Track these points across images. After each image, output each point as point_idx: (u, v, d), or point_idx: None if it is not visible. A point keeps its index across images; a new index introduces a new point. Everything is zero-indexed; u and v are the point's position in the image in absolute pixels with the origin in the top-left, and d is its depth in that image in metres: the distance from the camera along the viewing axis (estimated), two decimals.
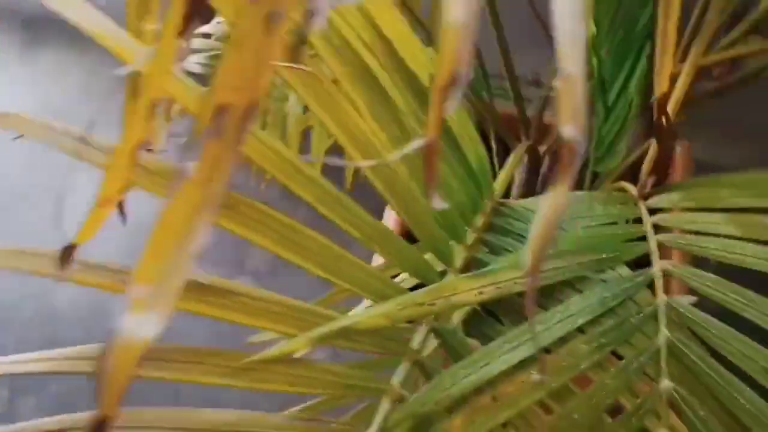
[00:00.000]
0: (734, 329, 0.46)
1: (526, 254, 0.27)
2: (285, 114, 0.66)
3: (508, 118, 0.82)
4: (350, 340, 0.43)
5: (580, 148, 0.27)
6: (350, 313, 0.43)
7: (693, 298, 0.51)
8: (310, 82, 0.44)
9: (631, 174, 0.66)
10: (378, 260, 0.61)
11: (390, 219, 0.71)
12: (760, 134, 1.09)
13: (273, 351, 0.41)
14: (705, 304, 0.48)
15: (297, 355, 0.43)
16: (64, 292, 1.12)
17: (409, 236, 0.49)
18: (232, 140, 0.18)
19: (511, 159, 0.64)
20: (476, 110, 0.78)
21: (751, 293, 0.46)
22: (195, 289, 0.39)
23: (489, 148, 0.66)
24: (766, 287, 0.49)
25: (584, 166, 0.88)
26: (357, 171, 0.73)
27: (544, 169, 0.85)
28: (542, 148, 0.80)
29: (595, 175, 0.81)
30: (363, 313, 0.42)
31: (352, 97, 0.46)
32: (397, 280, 0.52)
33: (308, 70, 0.41)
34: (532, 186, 0.81)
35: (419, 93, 0.47)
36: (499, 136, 0.81)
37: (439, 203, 0.31)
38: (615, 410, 0.43)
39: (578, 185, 0.85)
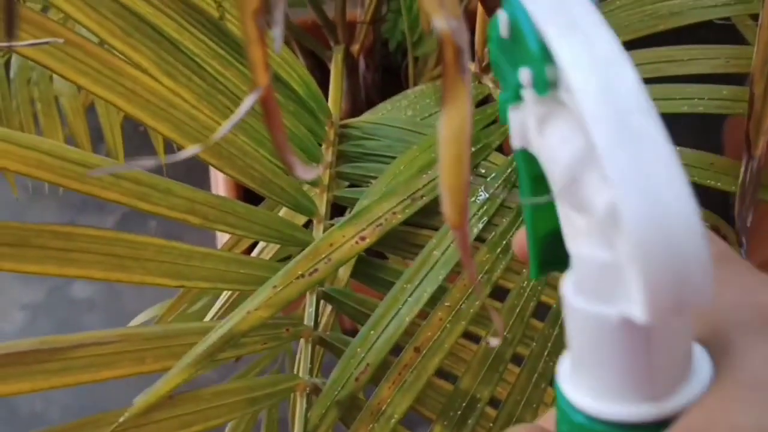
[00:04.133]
0: None
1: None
2: (53, 97, 0.54)
3: (308, 26, 0.74)
4: (236, 347, 0.35)
5: (462, 39, 0.20)
6: (221, 320, 0.35)
7: None
8: (64, 53, 0.33)
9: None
10: (222, 240, 0.52)
11: (219, 184, 0.62)
12: None
13: (152, 394, 0.32)
14: None
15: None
16: None
17: (246, 196, 0.41)
18: None
19: (333, 70, 0.57)
20: None
21: None
22: None
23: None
24: None
25: (402, 54, 0.82)
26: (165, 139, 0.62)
27: (362, 70, 0.78)
28: (355, 48, 0.72)
29: (417, 62, 0.76)
30: (237, 312, 0.34)
31: (131, 56, 0.36)
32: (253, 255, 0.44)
33: (57, 40, 0.31)
34: (356, 92, 0.75)
35: (216, 31, 0.38)
36: (305, 49, 0.73)
37: (299, 165, 0.23)
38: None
39: (402, 78, 0.79)
